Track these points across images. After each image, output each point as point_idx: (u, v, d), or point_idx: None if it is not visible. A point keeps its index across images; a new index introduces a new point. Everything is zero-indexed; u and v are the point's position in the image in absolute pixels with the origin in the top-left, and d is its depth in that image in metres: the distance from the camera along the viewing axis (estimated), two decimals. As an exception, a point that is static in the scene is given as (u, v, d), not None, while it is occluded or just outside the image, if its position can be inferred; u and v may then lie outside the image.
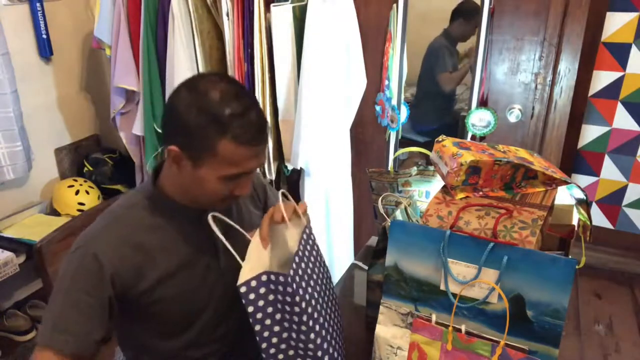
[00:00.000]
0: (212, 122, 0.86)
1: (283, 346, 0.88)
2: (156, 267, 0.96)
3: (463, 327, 0.84)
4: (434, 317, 0.86)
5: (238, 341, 1.12)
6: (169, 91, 1.90)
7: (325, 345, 0.88)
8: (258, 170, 1.82)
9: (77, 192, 2.12)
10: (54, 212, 2.14)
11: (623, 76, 1.77)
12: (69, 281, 0.91)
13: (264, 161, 0.86)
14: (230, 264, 1.04)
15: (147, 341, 1.06)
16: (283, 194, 0.96)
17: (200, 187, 0.93)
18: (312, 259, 0.93)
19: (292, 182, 2.10)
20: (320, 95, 1.79)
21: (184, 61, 1.82)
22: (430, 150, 1.03)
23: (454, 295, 0.84)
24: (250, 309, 0.83)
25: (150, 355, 1.08)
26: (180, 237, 0.99)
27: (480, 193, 0.94)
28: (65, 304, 0.90)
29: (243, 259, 0.88)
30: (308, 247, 0.92)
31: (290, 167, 1.94)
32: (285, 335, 0.87)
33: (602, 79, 1.80)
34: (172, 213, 0.99)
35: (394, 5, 1.88)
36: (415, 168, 1.20)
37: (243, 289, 0.82)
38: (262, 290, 0.83)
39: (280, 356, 0.88)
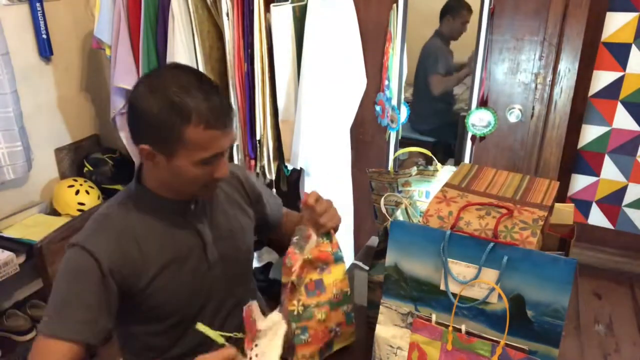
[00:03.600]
0: (174, 112, 0.87)
1: None
2: (151, 261, 0.97)
3: (463, 327, 0.83)
4: (434, 317, 0.86)
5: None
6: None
7: None
8: (257, 175, 1.77)
9: (77, 192, 2.11)
10: (54, 212, 2.14)
11: (623, 76, 1.77)
12: (71, 278, 0.91)
13: (234, 139, 0.86)
14: (219, 256, 1.04)
15: (149, 342, 1.05)
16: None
17: (180, 178, 0.94)
18: None
19: (292, 182, 2.10)
20: (320, 95, 1.79)
21: (184, 61, 1.82)
22: (430, 151, 1.03)
23: (454, 295, 0.84)
24: None
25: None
26: (169, 231, 1.00)
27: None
28: (68, 295, 0.90)
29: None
30: None
31: (290, 167, 1.94)
32: None
33: (602, 79, 1.80)
34: (158, 208, 1.00)
35: (394, 5, 1.88)
36: (415, 168, 1.20)
37: None
38: None
39: None
